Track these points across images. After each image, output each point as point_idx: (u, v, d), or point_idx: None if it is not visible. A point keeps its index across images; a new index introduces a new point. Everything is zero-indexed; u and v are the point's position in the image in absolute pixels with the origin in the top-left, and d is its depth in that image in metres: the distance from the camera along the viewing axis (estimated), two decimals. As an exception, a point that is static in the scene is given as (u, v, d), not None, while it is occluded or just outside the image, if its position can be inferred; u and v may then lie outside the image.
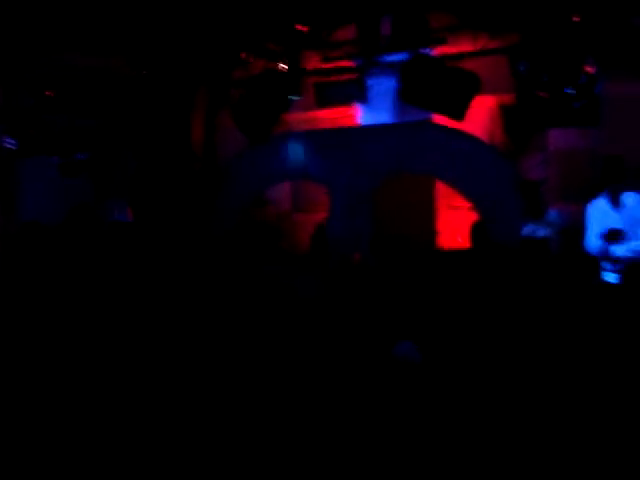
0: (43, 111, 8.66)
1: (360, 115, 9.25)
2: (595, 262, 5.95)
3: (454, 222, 8.60)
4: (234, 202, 9.40)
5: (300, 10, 8.02)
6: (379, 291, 5.01)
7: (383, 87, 8.65)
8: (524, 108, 7.51)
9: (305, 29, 8.06)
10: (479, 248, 6.33)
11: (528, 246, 5.97)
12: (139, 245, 6.90)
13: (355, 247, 7.91)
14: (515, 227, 6.91)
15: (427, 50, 7.92)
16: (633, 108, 6.99)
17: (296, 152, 9.02)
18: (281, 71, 8.29)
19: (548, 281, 4.76)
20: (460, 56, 7.90)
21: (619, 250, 5.89)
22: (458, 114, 7.40)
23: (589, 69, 6.95)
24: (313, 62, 8.83)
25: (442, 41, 8.08)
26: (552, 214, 6.89)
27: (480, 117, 8.07)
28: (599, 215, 6.13)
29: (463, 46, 7.99)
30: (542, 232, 6.60)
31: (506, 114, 7.94)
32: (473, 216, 7.65)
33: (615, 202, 6.05)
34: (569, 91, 6.95)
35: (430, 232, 8.92)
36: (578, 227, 6.29)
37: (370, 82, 8.82)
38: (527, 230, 6.77)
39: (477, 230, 6.58)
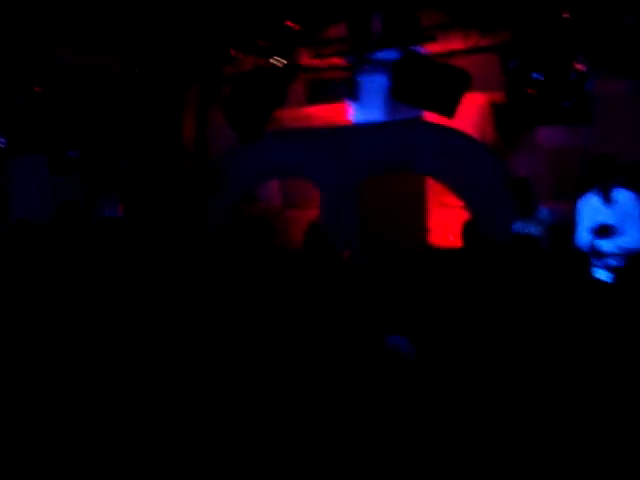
0: (33, 109, 8.62)
1: (351, 112, 9.24)
2: (586, 259, 5.98)
3: (445, 220, 8.60)
4: (225, 199, 9.38)
5: (291, 7, 8.02)
6: (368, 288, 5.02)
7: (374, 84, 8.66)
8: (514, 106, 7.52)
9: (296, 26, 8.05)
10: (470, 246, 6.34)
11: (519, 243, 5.98)
12: (129, 241, 6.88)
13: (344, 245, 7.90)
14: (506, 225, 6.94)
15: (418, 47, 7.92)
16: (624, 106, 7.02)
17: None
18: (273, 67, 8.27)
19: (539, 278, 4.77)
20: (451, 53, 7.90)
21: (607, 246, 5.93)
22: (448, 111, 7.40)
23: (579, 67, 6.97)
24: (304, 59, 8.82)
25: (433, 38, 8.08)
26: (543, 212, 6.92)
27: (470, 114, 8.07)
28: (590, 211, 6.16)
29: (454, 44, 7.99)
30: (533, 229, 6.63)
31: (496, 112, 7.95)
32: (465, 214, 7.65)
33: (606, 198, 6.08)
34: (559, 89, 6.98)
35: (421, 230, 8.92)
36: (569, 225, 6.32)
37: (361, 79, 8.82)
38: (518, 227, 6.79)
39: (469, 229, 6.59)
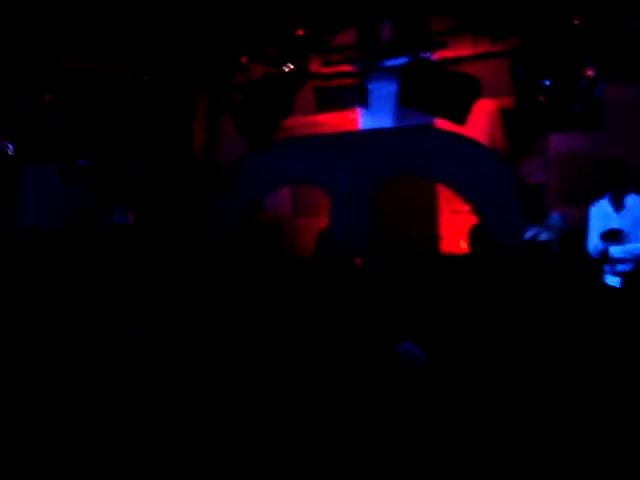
0: (44, 117, 8.67)
1: (361, 119, 9.24)
2: (597, 265, 5.95)
3: (457, 226, 8.58)
4: (235, 206, 9.39)
5: (300, 14, 8.04)
6: (380, 296, 5.01)
7: (384, 91, 8.66)
8: (524, 112, 7.51)
9: (305, 34, 8.08)
10: (479, 252, 6.32)
11: (529, 250, 5.96)
12: (141, 248, 6.90)
13: (356, 252, 7.90)
14: (516, 231, 6.92)
15: (428, 54, 7.93)
16: (634, 111, 7.00)
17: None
18: (282, 75, 8.29)
19: (549, 285, 4.75)
20: (460, 60, 7.91)
21: (616, 251, 5.91)
22: (459, 118, 7.40)
23: (589, 72, 6.96)
24: (314, 66, 8.84)
25: (442, 45, 8.09)
26: (554, 218, 6.90)
27: (481, 121, 8.07)
28: (601, 217, 6.14)
29: (463, 50, 8.00)
30: (544, 236, 6.61)
31: (506, 118, 7.95)
32: (475, 220, 7.64)
33: (618, 204, 6.06)
34: (569, 95, 6.97)
35: (432, 237, 8.90)
36: (580, 231, 6.30)
37: (371, 86, 8.83)
38: (528, 234, 6.77)
39: (476, 234, 6.56)
